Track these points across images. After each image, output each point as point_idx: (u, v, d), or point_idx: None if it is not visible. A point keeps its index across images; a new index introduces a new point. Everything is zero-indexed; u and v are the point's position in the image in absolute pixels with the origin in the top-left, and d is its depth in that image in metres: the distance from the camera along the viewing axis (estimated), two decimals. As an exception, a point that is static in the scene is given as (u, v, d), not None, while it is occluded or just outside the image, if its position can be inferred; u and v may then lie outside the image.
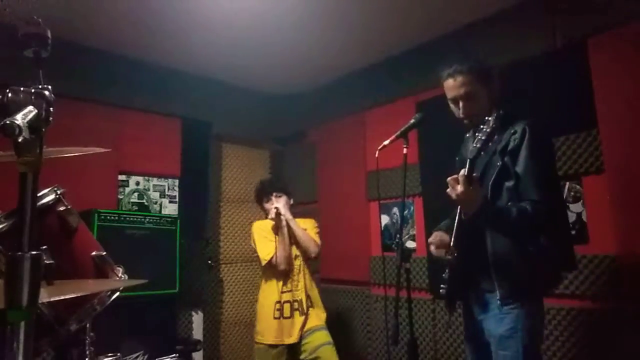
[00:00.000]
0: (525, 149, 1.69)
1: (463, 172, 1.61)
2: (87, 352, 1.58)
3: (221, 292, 4.01)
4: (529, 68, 2.73)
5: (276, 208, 2.90)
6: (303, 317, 2.85)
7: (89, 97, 3.30)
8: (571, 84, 2.56)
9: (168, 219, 3.28)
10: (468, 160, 1.61)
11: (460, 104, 1.83)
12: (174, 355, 2.19)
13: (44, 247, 0.78)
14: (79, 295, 1.32)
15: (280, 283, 2.90)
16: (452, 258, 1.71)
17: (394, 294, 1.95)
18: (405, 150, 2.03)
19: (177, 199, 3.75)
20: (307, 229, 3.04)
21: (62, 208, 1.48)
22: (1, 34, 2.05)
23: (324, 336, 2.86)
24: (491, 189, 1.71)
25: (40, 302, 0.78)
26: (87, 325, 1.55)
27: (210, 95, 3.96)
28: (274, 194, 3.01)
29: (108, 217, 2.94)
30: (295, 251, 2.97)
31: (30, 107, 0.75)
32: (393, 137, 2.06)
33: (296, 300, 2.88)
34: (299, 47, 3.42)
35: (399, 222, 3.44)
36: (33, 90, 0.78)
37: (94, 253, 1.54)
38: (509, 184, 1.70)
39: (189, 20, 3.01)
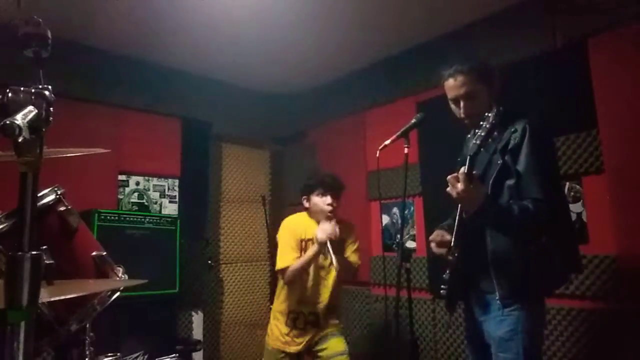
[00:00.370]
0: (526, 147, 1.67)
1: (463, 169, 1.60)
2: (87, 352, 1.58)
3: (221, 292, 4.01)
4: (529, 68, 2.73)
5: (331, 210, 2.52)
6: (315, 329, 2.58)
7: (89, 97, 3.31)
8: (571, 84, 2.56)
9: (168, 219, 3.28)
10: (468, 158, 1.60)
11: (461, 104, 1.83)
12: (174, 355, 2.18)
13: (44, 247, 0.78)
14: (79, 295, 1.31)
15: (300, 292, 2.58)
16: (452, 258, 1.70)
17: (394, 294, 1.95)
18: (406, 150, 2.03)
19: (177, 199, 3.75)
20: (346, 241, 2.64)
21: (62, 208, 1.48)
22: (1, 34, 2.05)
23: (340, 344, 2.59)
24: (492, 187, 1.70)
25: (40, 302, 0.77)
26: (87, 325, 1.55)
27: (210, 95, 3.96)
28: (335, 194, 2.60)
29: (108, 217, 2.94)
30: (322, 262, 2.57)
31: (31, 107, 0.75)
32: (394, 136, 2.06)
33: (313, 313, 2.58)
34: (299, 46, 3.42)
35: (399, 222, 3.43)
36: (33, 90, 0.77)
37: (94, 253, 1.54)
38: (510, 182, 1.69)
39: (189, 20, 3.01)
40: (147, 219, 3.15)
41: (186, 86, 3.83)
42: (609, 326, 2.34)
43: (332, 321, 2.66)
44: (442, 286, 1.74)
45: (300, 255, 2.57)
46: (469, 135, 2.02)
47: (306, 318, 2.59)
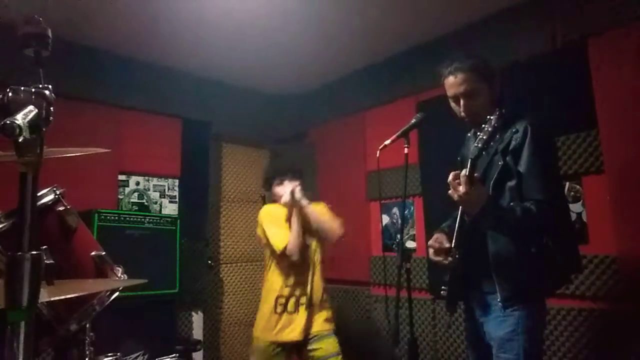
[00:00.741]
0: (528, 148, 1.67)
1: (465, 172, 1.59)
2: (87, 352, 1.58)
3: (221, 292, 4.01)
4: (529, 68, 2.73)
5: (293, 189, 2.55)
6: (308, 311, 2.57)
7: (89, 97, 3.30)
8: (571, 84, 2.56)
9: (168, 219, 3.28)
10: (469, 160, 1.59)
11: (461, 102, 1.82)
12: (174, 355, 2.18)
13: (44, 247, 0.78)
14: (78, 295, 1.31)
15: (288, 276, 2.61)
16: (453, 260, 1.70)
17: (394, 294, 1.95)
18: (406, 150, 2.03)
19: (177, 199, 3.75)
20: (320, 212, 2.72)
21: (61, 208, 1.48)
22: (1, 34, 2.05)
23: (333, 345, 2.58)
24: (493, 188, 1.70)
25: (40, 302, 0.77)
26: (87, 325, 1.55)
27: (210, 95, 3.95)
28: (290, 175, 2.68)
29: (108, 217, 2.94)
30: (307, 241, 2.64)
31: (31, 107, 0.75)
32: (394, 136, 2.06)
33: (303, 295, 2.59)
34: (299, 47, 3.42)
35: (399, 222, 3.43)
36: (33, 90, 0.77)
37: (93, 253, 1.54)
38: (511, 183, 1.69)
39: (189, 21, 3.01)
40: (147, 219, 3.15)
41: (186, 86, 3.82)
42: (609, 326, 2.34)
43: (325, 316, 2.64)
44: (442, 287, 1.74)
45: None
46: (468, 134, 2.02)
47: (297, 299, 2.58)
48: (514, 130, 1.71)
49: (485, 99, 1.81)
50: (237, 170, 4.29)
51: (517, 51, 2.79)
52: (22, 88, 0.77)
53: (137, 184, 3.56)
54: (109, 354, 1.74)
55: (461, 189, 1.58)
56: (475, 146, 1.60)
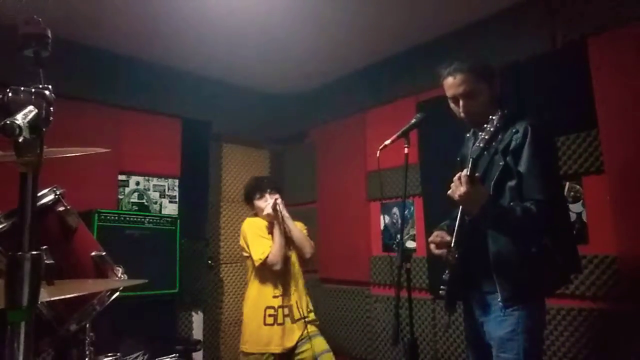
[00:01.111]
0: (528, 148, 1.67)
1: (465, 172, 1.59)
2: (87, 352, 1.58)
3: (221, 292, 4.01)
4: (529, 68, 2.73)
5: (275, 202, 2.70)
6: (297, 319, 2.68)
7: (89, 97, 3.30)
8: (571, 84, 2.56)
9: (168, 219, 3.28)
10: (470, 160, 1.60)
11: (460, 103, 1.82)
12: (174, 355, 2.18)
13: (44, 247, 0.78)
14: (78, 295, 1.31)
15: (273, 287, 2.70)
16: (452, 259, 1.70)
17: (394, 294, 1.95)
18: (406, 150, 2.03)
19: (177, 199, 3.75)
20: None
21: (61, 208, 1.48)
22: (1, 34, 2.05)
23: (322, 343, 2.69)
24: (493, 188, 1.70)
25: (40, 302, 0.77)
26: (87, 325, 1.55)
27: (210, 95, 3.95)
28: (269, 190, 2.82)
29: (108, 217, 2.94)
30: (288, 252, 2.79)
31: (31, 107, 0.75)
32: (395, 136, 2.06)
33: (287, 306, 2.69)
34: (299, 47, 3.42)
35: (399, 222, 3.43)
36: (33, 90, 0.77)
37: (93, 253, 1.54)
38: (511, 183, 1.69)
39: (189, 20, 3.01)
40: (147, 219, 3.15)
41: (186, 86, 3.82)
42: (609, 326, 2.34)
43: (310, 315, 2.77)
44: (441, 287, 1.74)
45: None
46: (468, 134, 2.02)
47: (282, 311, 2.67)
48: (514, 130, 1.71)
49: (485, 99, 1.81)
50: (237, 170, 4.29)
51: (517, 51, 2.79)
52: (22, 88, 0.77)
53: (137, 184, 3.56)
54: (109, 354, 1.74)
55: (462, 188, 1.59)
56: (477, 146, 1.60)
